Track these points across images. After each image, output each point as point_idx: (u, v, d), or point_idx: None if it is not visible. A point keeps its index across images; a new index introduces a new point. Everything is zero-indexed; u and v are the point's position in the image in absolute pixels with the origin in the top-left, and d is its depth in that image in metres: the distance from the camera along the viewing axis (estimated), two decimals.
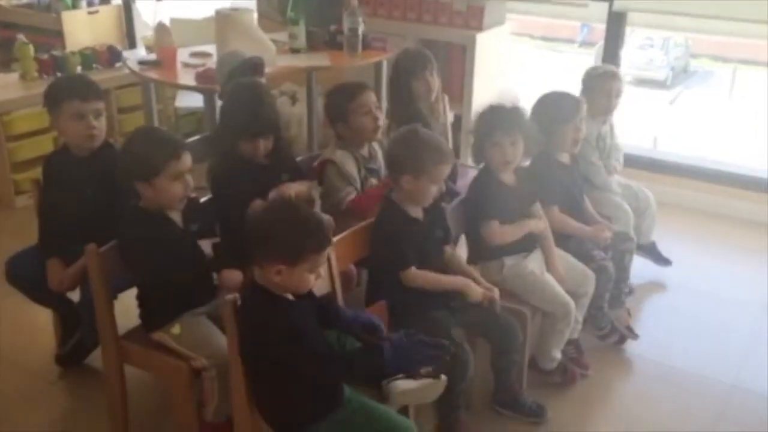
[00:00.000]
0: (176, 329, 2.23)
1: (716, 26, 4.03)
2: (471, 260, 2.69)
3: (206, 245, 2.30)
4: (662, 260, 3.51)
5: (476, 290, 2.38)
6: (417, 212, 2.40)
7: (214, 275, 2.32)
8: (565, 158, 2.93)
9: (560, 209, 2.81)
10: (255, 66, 3.00)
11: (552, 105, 2.85)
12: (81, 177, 2.55)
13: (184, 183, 2.21)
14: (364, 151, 2.79)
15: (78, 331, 2.71)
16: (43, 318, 2.85)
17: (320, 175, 2.76)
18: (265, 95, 2.65)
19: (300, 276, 1.85)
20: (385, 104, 3.35)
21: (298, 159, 2.88)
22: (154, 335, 2.27)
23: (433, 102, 3.16)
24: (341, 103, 2.72)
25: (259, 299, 1.89)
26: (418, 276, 2.32)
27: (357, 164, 2.74)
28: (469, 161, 3.10)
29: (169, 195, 2.20)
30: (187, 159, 2.22)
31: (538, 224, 2.67)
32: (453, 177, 2.94)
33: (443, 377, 2.04)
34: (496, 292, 2.40)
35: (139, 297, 2.31)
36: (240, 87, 2.69)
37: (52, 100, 2.56)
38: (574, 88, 3.16)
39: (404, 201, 2.38)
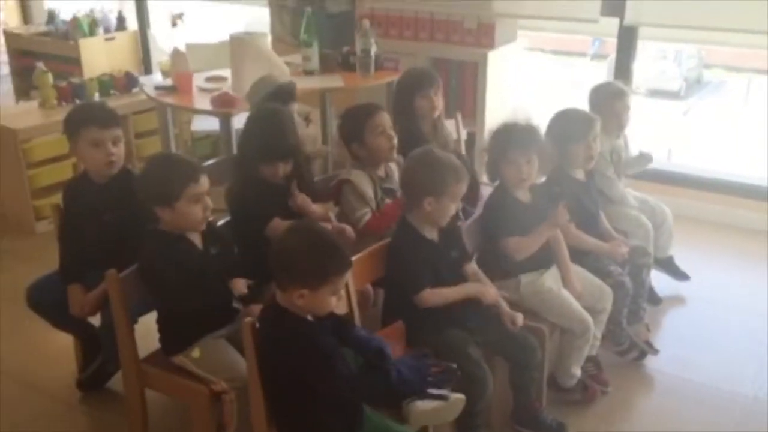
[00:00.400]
0: (196, 353, 2.25)
1: (728, 38, 4.02)
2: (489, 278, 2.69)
3: (242, 284, 2.34)
4: (680, 275, 3.49)
5: (489, 292, 2.39)
6: (432, 233, 2.41)
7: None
8: (579, 174, 2.93)
9: (576, 226, 2.81)
10: (290, 92, 3.05)
11: (565, 124, 2.86)
12: (100, 203, 2.59)
13: (204, 205, 2.24)
14: (380, 172, 2.82)
15: (99, 356, 2.73)
16: (64, 343, 2.88)
17: (337, 195, 2.79)
18: (287, 121, 2.70)
19: (322, 299, 1.87)
20: None
21: (315, 179, 2.92)
22: (175, 359, 2.29)
23: (435, 120, 3.19)
24: (357, 124, 2.75)
25: (281, 320, 1.90)
26: (432, 297, 2.33)
27: (373, 184, 2.76)
28: (484, 178, 3.11)
29: (190, 218, 2.23)
30: (205, 182, 2.25)
31: (550, 228, 2.62)
32: (474, 199, 2.95)
33: (462, 396, 2.05)
34: (520, 317, 2.40)
35: (159, 321, 2.34)
36: (263, 112, 2.75)
37: (71, 127, 2.60)
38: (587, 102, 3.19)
39: (421, 222, 2.39)
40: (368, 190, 2.74)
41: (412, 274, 2.33)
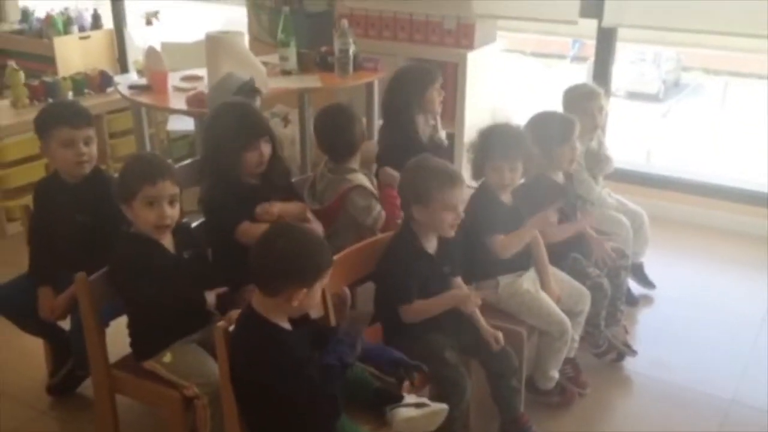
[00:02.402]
0: (167, 357, 2.20)
1: (706, 40, 4.05)
2: (466, 280, 2.67)
3: (210, 296, 2.25)
4: (647, 283, 3.48)
5: (470, 301, 2.34)
6: (431, 245, 2.37)
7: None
8: (559, 177, 2.92)
9: None
10: (250, 90, 3.01)
11: (548, 126, 2.82)
12: (71, 203, 2.54)
13: (158, 211, 2.16)
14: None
15: (69, 361, 2.68)
16: (34, 347, 2.81)
17: (343, 206, 2.73)
18: (252, 107, 2.68)
19: (315, 294, 1.88)
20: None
21: (294, 179, 2.87)
22: (145, 364, 2.24)
23: (429, 115, 3.21)
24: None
25: (258, 328, 1.86)
26: (416, 311, 2.29)
27: (370, 180, 2.79)
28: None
29: (142, 220, 2.18)
30: (163, 187, 2.16)
31: (532, 231, 2.62)
32: None
33: (445, 406, 2.06)
34: (500, 336, 2.37)
35: (129, 325, 2.29)
36: (226, 104, 2.70)
37: (42, 127, 2.55)
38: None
39: (421, 231, 2.35)
40: (373, 188, 2.76)
41: (402, 285, 2.30)
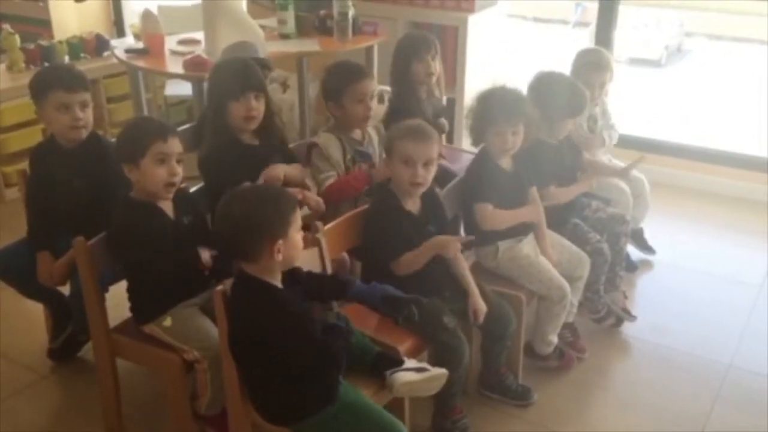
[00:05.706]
0: (167, 321, 2.21)
1: (709, 4, 3.99)
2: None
3: (206, 255, 2.21)
4: (647, 249, 3.49)
5: (451, 246, 2.33)
6: (414, 205, 2.37)
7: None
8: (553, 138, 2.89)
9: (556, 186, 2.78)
10: (265, 64, 3.00)
11: (557, 94, 2.76)
12: (68, 168, 2.52)
13: (169, 168, 2.17)
14: (356, 135, 2.77)
15: (69, 325, 2.68)
16: (35, 312, 2.82)
17: (308, 158, 2.75)
18: (248, 63, 2.66)
19: (294, 241, 1.87)
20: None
21: (291, 146, 2.85)
22: (145, 328, 2.24)
23: (432, 85, 3.16)
24: (339, 85, 2.68)
25: (251, 289, 1.87)
26: (406, 264, 2.29)
27: (342, 148, 2.71)
28: (463, 144, 3.07)
29: (153, 178, 2.16)
30: (174, 144, 2.18)
31: (533, 213, 2.64)
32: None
33: (444, 371, 2.08)
34: (482, 314, 2.35)
35: (129, 290, 2.29)
36: (225, 60, 2.77)
37: (37, 91, 2.52)
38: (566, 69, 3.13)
39: (401, 192, 2.34)
40: (335, 153, 2.68)
41: (387, 242, 2.30)
